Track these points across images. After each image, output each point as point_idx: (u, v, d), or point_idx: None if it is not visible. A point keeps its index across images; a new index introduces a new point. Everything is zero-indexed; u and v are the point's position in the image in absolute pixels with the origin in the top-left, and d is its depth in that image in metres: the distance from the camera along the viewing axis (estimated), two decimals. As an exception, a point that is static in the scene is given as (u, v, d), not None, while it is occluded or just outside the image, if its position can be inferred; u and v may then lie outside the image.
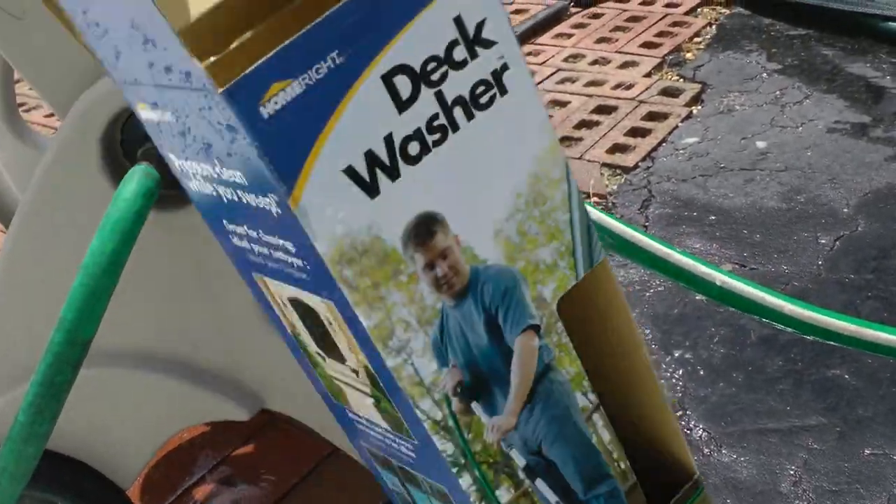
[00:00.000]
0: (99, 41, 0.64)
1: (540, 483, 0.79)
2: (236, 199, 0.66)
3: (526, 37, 2.84)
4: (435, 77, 0.63)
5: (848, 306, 1.58)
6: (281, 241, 0.66)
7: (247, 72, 0.56)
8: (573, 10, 2.97)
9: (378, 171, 0.63)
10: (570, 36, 2.83)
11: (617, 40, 2.73)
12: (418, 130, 0.64)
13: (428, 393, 0.70)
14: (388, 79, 0.61)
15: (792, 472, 1.34)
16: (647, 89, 2.44)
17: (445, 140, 0.65)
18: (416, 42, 0.61)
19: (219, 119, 0.59)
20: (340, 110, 0.60)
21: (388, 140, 0.63)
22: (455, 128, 0.65)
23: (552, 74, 2.61)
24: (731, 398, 1.48)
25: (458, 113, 0.65)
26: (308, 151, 0.60)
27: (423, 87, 0.63)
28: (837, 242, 1.77)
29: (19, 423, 0.91)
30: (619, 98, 2.42)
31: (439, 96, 0.64)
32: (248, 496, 1.48)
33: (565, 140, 2.29)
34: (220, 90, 0.55)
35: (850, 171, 1.97)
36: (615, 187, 2.08)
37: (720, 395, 1.49)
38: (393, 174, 0.63)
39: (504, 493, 0.76)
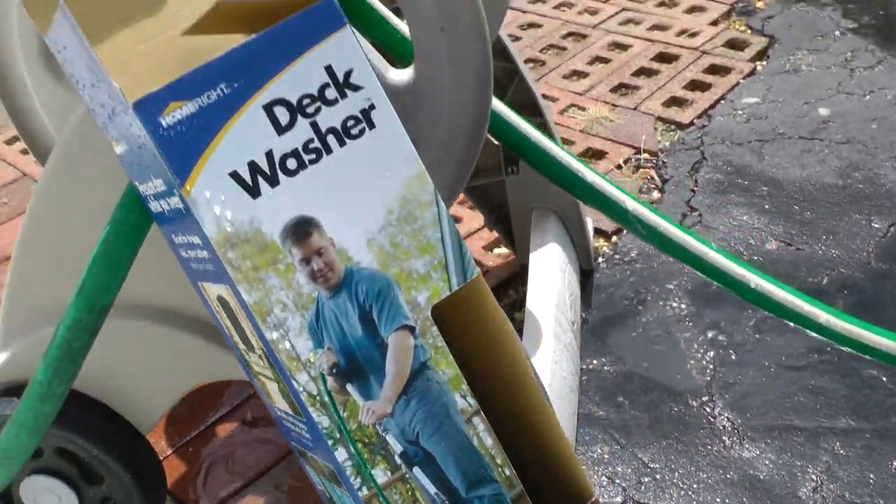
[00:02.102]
0: (84, 94, 0.84)
1: (418, 472, 0.86)
2: (167, 208, 0.82)
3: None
4: (310, 110, 0.79)
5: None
6: (194, 239, 0.81)
7: (150, 91, 0.74)
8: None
9: (259, 178, 0.78)
10: (641, -32, 2.69)
11: (686, -19, 2.60)
12: (296, 150, 0.79)
13: (304, 368, 0.82)
14: (268, 108, 0.78)
15: (814, 477, 1.26)
16: (711, 39, 2.34)
17: (321, 160, 0.79)
18: (292, 82, 0.79)
19: (137, 131, 0.76)
20: (227, 128, 0.77)
21: (269, 155, 0.78)
22: (329, 151, 0.80)
23: (616, 14, 2.52)
24: (760, 388, 1.40)
25: (331, 139, 0.80)
26: (199, 156, 0.76)
27: (299, 117, 0.79)
28: (892, 229, 1.66)
29: (37, 382, 0.98)
30: (681, 47, 2.32)
31: (314, 126, 0.79)
32: (268, 437, 1.47)
33: (622, 88, 2.20)
34: (130, 102, 0.74)
35: (917, 151, 1.84)
36: (667, 144, 1.98)
37: (749, 384, 1.41)
38: (273, 182, 0.78)
39: (380, 474, 0.85)
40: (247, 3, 0.80)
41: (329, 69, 0.79)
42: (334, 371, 0.82)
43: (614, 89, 2.18)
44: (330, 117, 0.79)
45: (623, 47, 2.34)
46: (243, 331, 0.83)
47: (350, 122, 0.80)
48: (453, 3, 0.96)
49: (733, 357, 1.46)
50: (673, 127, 2.03)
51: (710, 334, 1.50)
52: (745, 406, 1.38)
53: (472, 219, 1.78)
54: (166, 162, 0.75)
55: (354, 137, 0.80)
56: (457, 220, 1.82)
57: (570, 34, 2.44)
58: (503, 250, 1.72)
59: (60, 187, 1.04)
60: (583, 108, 2.11)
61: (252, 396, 1.52)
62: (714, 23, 2.40)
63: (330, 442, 0.82)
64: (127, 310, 1.06)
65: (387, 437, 0.84)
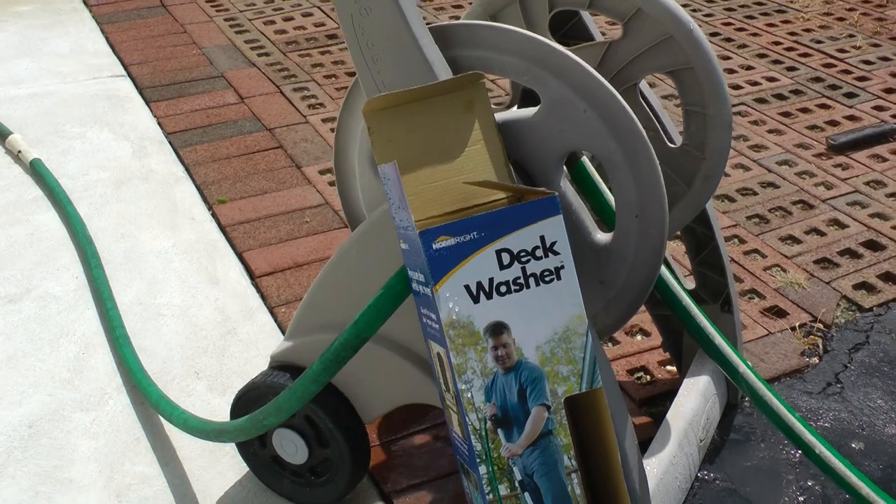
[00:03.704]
0: (392, 209, 1.30)
1: (527, 496, 1.26)
2: (420, 290, 1.26)
3: (843, 148, 2.96)
4: (524, 260, 1.23)
5: None
6: (432, 314, 1.24)
7: (430, 227, 1.19)
8: (903, 135, 3.00)
9: (481, 293, 1.21)
10: (884, 160, 2.91)
11: (933, 180, 2.76)
12: (507, 282, 1.21)
13: (475, 411, 1.23)
14: (498, 253, 1.21)
15: None
16: (930, 239, 2.52)
17: (521, 291, 1.22)
18: (517, 240, 1.21)
19: (417, 247, 1.20)
20: (470, 258, 1.20)
21: (490, 280, 1.21)
22: (528, 286, 1.22)
23: (847, 194, 2.75)
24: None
25: (531, 280, 1.22)
26: (448, 271, 1.20)
27: (515, 262, 1.22)
28: None
29: (313, 370, 1.45)
30: (892, 239, 2.55)
31: (523, 270, 1.22)
32: (448, 453, 1.87)
33: (824, 262, 2.47)
34: (418, 231, 1.19)
35: None
36: (842, 321, 2.26)
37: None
38: (488, 297, 1.21)
39: (503, 489, 1.26)
40: (502, 184, 1.26)
41: (542, 238, 1.22)
42: (493, 418, 1.24)
43: (818, 261, 2.47)
44: (534, 267, 1.21)
45: (841, 226, 2.61)
46: (446, 378, 1.28)
47: (546, 273, 1.22)
48: (649, 202, 1.39)
49: (822, 505, 1.79)
50: (853, 308, 2.31)
51: (810, 483, 1.83)
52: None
53: (658, 338, 2.17)
54: (429, 270, 1.19)
55: (546, 283, 1.22)
56: (646, 334, 2.22)
57: (801, 202, 2.73)
58: (673, 368, 2.11)
59: (360, 250, 1.51)
60: (784, 270, 2.43)
61: (444, 422, 1.95)
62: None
63: (478, 460, 1.25)
64: (379, 338, 1.51)
65: (513, 468, 1.25)
